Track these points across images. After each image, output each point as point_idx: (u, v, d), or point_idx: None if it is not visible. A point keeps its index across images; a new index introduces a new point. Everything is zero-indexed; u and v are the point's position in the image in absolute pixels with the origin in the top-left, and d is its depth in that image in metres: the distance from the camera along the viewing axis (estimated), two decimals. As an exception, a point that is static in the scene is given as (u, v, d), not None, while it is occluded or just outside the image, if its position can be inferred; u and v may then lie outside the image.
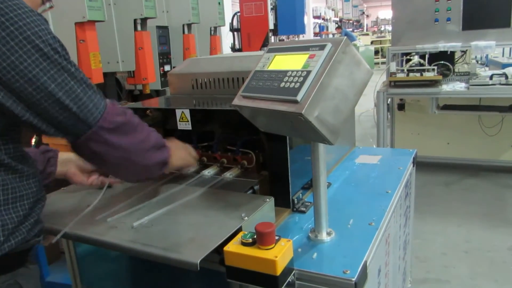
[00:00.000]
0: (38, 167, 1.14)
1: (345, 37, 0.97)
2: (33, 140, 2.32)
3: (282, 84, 0.97)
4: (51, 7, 1.04)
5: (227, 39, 6.01)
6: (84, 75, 0.92)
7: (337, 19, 19.42)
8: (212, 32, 3.98)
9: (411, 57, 3.66)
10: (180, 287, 1.29)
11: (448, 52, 3.62)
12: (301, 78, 0.93)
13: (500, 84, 3.31)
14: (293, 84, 0.94)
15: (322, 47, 0.94)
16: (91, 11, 2.25)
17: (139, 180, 1.20)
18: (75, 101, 0.88)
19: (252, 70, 1.11)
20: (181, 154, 1.29)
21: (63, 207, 1.23)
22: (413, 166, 1.78)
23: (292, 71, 0.97)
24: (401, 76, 3.56)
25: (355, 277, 0.94)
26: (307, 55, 0.96)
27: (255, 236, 0.90)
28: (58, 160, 1.25)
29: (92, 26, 2.36)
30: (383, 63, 13.12)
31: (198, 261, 0.87)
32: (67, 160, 1.27)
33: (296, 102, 0.90)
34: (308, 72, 0.92)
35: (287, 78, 0.97)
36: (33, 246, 0.99)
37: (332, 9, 19.18)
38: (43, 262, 2.27)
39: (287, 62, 1.02)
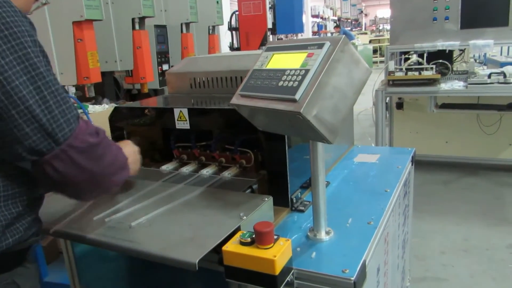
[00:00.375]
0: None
1: (344, 35, 0.97)
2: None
3: (281, 83, 0.96)
4: (46, 3, 1.02)
5: (225, 38, 6.00)
6: (61, 88, 0.85)
7: (336, 18, 19.43)
8: (211, 31, 3.98)
9: (410, 56, 3.65)
10: (178, 287, 1.29)
11: (447, 51, 3.62)
12: (300, 77, 0.92)
13: (498, 82, 3.31)
14: (291, 83, 0.94)
15: (320, 46, 0.94)
16: (89, 10, 2.25)
17: (93, 199, 1.13)
18: (44, 112, 0.80)
19: (250, 69, 1.10)
20: (134, 161, 1.18)
21: (61, 207, 1.23)
22: (412, 165, 1.78)
23: (291, 69, 0.96)
24: (399, 75, 3.56)
25: (354, 276, 0.93)
26: (306, 54, 0.96)
27: (253, 236, 0.90)
28: None
29: (90, 25, 2.35)
30: (381, 62, 13.11)
31: (197, 261, 0.86)
32: None
33: (294, 101, 0.90)
34: (307, 71, 0.92)
35: (285, 77, 0.96)
36: (31, 245, 0.98)
37: (331, 8, 19.20)
38: (42, 262, 2.26)
39: (286, 60, 1.01)
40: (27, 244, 0.95)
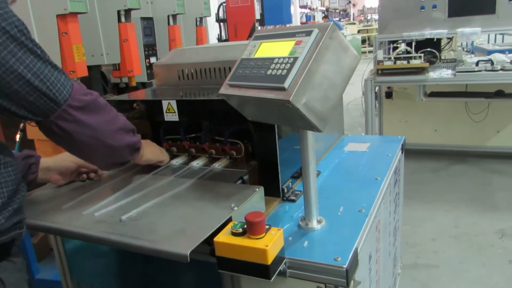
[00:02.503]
0: None
1: (332, 22, 0.96)
2: (18, 136, 2.27)
3: (269, 72, 0.95)
4: (14, 0, 1.02)
5: (213, 30, 5.95)
6: (49, 57, 0.94)
7: (324, 8, 19.40)
8: (198, 23, 3.93)
9: (398, 45, 3.66)
10: (171, 279, 1.28)
11: (435, 39, 3.64)
12: (288, 65, 0.92)
13: (486, 70, 3.34)
14: (280, 71, 0.93)
15: (308, 33, 0.93)
16: (72, 2, 2.20)
17: (110, 166, 1.19)
18: (43, 81, 0.90)
19: (238, 58, 1.09)
20: (154, 149, 1.35)
21: (50, 203, 1.21)
22: (402, 152, 1.79)
23: (279, 58, 0.96)
24: (388, 64, 3.57)
25: (346, 264, 0.94)
26: (294, 42, 0.95)
27: (245, 226, 0.90)
28: (39, 167, 1.24)
29: (75, 18, 2.30)
30: (370, 52, 13.13)
31: (188, 253, 0.86)
32: (48, 169, 1.27)
33: (283, 89, 0.89)
34: (295, 59, 0.91)
35: (274, 65, 0.95)
36: (15, 239, 0.97)
37: (319, -1, 19.13)
38: (32, 259, 2.24)
39: (274, 49, 1.00)
40: (11, 238, 0.95)
